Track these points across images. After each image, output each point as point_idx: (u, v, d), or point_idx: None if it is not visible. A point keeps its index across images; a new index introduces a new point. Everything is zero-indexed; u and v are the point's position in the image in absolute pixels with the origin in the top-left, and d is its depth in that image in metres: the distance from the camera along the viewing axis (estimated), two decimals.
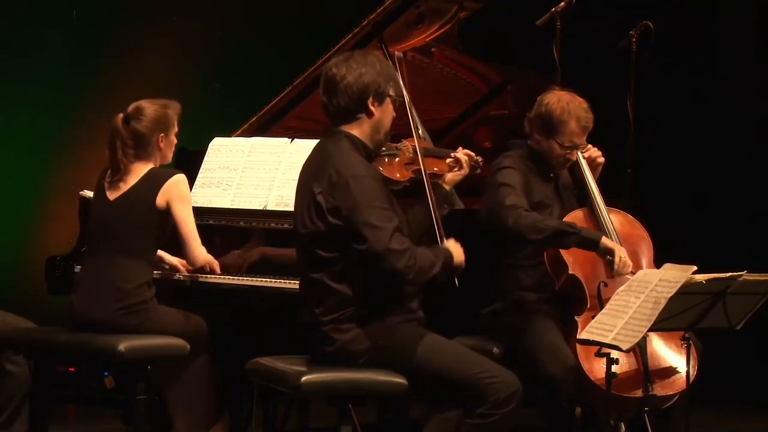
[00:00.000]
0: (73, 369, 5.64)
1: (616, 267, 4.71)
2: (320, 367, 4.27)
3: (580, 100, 4.95)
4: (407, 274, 4.22)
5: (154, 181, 4.85)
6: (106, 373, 5.18)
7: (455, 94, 5.93)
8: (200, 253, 4.90)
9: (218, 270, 5.00)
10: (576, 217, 4.93)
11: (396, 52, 5.16)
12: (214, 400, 4.96)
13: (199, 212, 5.29)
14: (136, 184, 4.86)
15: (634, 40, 5.53)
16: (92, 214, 4.97)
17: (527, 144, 5.05)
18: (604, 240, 4.76)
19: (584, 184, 4.99)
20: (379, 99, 4.34)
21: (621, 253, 4.73)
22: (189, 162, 5.55)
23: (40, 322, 5.14)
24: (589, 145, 5.01)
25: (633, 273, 4.65)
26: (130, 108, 4.92)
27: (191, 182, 5.39)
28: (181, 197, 4.85)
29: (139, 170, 4.88)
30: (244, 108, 5.76)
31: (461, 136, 6.00)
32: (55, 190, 5.42)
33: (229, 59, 7.35)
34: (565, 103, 4.92)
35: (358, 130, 4.36)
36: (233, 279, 5.04)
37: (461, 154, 4.73)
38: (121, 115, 4.90)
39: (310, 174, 4.35)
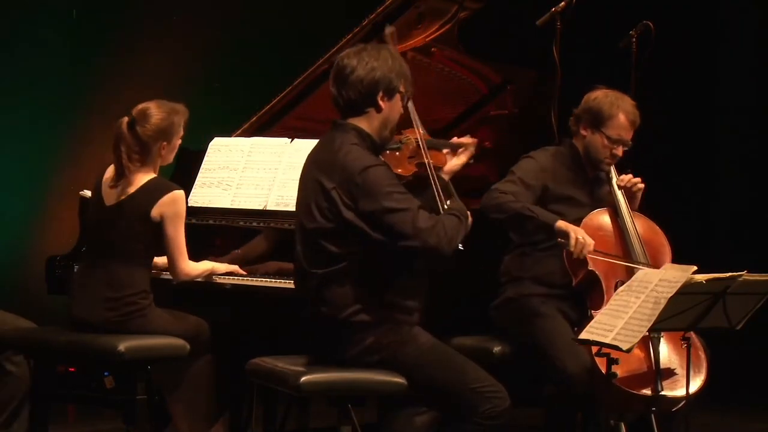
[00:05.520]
0: (73, 369, 5.64)
1: (571, 247, 4.73)
2: (320, 367, 4.26)
3: (627, 97, 5.07)
4: (442, 249, 4.18)
5: (152, 193, 4.79)
6: (106, 373, 5.17)
7: (455, 94, 5.92)
8: (182, 268, 4.85)
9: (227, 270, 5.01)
10: (599, 215, 4.96)
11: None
12: (215, 400, 4.96)
13: (199, 212, 5.30)
14: (134, 192, 4.80)
15: (634, 40, 5.52)
16: (89, 216, 4.95)
17: (572, 143, 5.09)
18: (559, 223, 4.79)
19: (610, 186, 5.03)
20: (389, 95, 4.31)
21: (577, 234, 4.74)
22: (189, 162, 5.55)
23: (40, 322, 5.14)
24: (629, 177, 5.04)
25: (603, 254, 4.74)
26: (137, 110, 4.83)
27: (191, 182, 5.40)
28: (175, 215, 4.79)
29: (140, 179, 4.82)
30: (244, 108, 5.76)
31: (461, 136, 5.99)
32: (55, 190, 5.42)
33: (229, 59, 7.34)
34: (613, 97, 5.03)
35: (366, 123, 4.33)
36: (233, 279, 5.03)
37: (467, 139, 4.72)
38: (126, 119, 4.81)
39: (319, 168, 4.31)
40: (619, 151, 5.02)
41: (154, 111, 4.82)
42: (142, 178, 4.83)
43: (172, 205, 4.80)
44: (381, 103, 4.30)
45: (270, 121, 5.64)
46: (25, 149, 6.78)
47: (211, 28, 7.33)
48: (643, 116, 5.64)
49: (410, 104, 4.51)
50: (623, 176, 5.04)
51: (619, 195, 5.00)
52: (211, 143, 5.48)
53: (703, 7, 8.04)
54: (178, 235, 4.81)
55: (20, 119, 6.82)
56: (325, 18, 7.24)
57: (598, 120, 5.01)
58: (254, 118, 5.62)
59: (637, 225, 4.96)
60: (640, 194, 5.06)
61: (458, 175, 5.20)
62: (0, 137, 6.79)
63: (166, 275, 5.12)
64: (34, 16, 6.92)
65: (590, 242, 4.75)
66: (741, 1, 8.13)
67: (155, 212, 4.78)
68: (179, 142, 4.90)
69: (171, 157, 4.92)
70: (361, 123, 4.33)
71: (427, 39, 5.62)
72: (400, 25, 5.38)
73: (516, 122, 5.89)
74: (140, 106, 4.84)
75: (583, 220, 4.91)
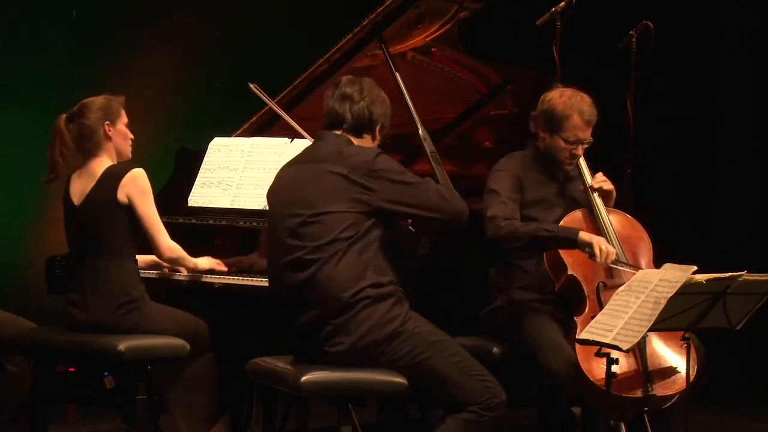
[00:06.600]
0: (73, 369, 5.64)
1: (597, 258, 4.71)
2: (320, 367, 4.26)
3: (583, 95, 4.96)
4: (465, 214, 4.49)
5: (111, 179, 4.81)
6: (106, 373, 5.17)
7: (455, 94, 5.93)
8: (166, 244, 4.86)
9: (215, 269, 5.01)
10: (575, 217, 4.93)
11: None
12: (215, 400, 4.96)
13: (199, 212, 5.30)
14: (95, 185, 4.82)
15: (634, 40, 5.52)
16: (65, 222, 4.96)
17: (535, 144, 5.05)
18: (581, 235, 4.75)
19: (583, 185, 5.00)
20: (383, 130, 4.53)
21: (600, 244, 4.71)
22: (189, 162, 5.55)
23: (40, 322, 5.14)
24: (600, 175, 5.02)
25: (623, 263, 4.73)
26: (75, 107, 4.90)
27: (191, 182, 5.40)
28: (141, 192, 4.81)
29: (97, 170, 4.85)
30: (244, 108, 5.76)
31: (461, 136, 6.00)
32: (55, 190, 5.40)
33: (229, 59, 7.34)
34: (567, 98, 4.93)
35: (359, 144, 4.46)
36: (233, 279, 5.03)
37: None
38: (64, 116, 4.88)
39: (323, 160, 4.39)
40: (579, 150, 4.96)
41: (91, 99, 4.90)
42: (99, 169, 4.85)
43: (134, 183, 4.80)
44: (377, 133, 4.52)
45: (270, 121, 5.64)
46: (25, 149, 6.78)
47: (211, 28, 7.33)
48: (643, 116, 5.65)
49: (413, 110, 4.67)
50: (596, 176, 5.01)
51: (594, 194, 4.96)
52: (211, 143, 5.48)
53: (703, 7, 8.04)
54: (150, 212, 4.82)
55: (20, 119, 6.82)
56: (325, 18, 7.24)
57: (552, 123, 4.93)
58: (254, 118, 5.62)
59: (613, 222, 4.92)
60: (613, 194, 5.02)
61: (458, 176, 5.21)
62: (0, 138, 6.78)
63: (165, 274, 5.13)
64: (34, 16, 6.92)
65: (612, 251, 4.72)
66: (741, 1, 8.13)
67: (121, 195, 4.79)
68: (129, 132, 4.91)
69: (126, 147, 4.92)
70: (356, 142, 4.47)
71: (427, 39, 5.62)
72: (400, 25, 5.38)
73: (516, 122, 5.89)
74: (77, 105, 4.91)
75: (559, 224, 4.89)
